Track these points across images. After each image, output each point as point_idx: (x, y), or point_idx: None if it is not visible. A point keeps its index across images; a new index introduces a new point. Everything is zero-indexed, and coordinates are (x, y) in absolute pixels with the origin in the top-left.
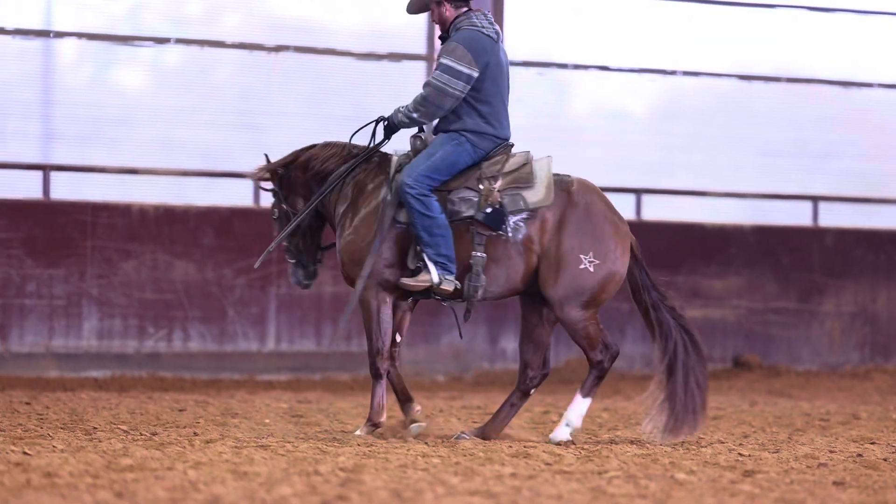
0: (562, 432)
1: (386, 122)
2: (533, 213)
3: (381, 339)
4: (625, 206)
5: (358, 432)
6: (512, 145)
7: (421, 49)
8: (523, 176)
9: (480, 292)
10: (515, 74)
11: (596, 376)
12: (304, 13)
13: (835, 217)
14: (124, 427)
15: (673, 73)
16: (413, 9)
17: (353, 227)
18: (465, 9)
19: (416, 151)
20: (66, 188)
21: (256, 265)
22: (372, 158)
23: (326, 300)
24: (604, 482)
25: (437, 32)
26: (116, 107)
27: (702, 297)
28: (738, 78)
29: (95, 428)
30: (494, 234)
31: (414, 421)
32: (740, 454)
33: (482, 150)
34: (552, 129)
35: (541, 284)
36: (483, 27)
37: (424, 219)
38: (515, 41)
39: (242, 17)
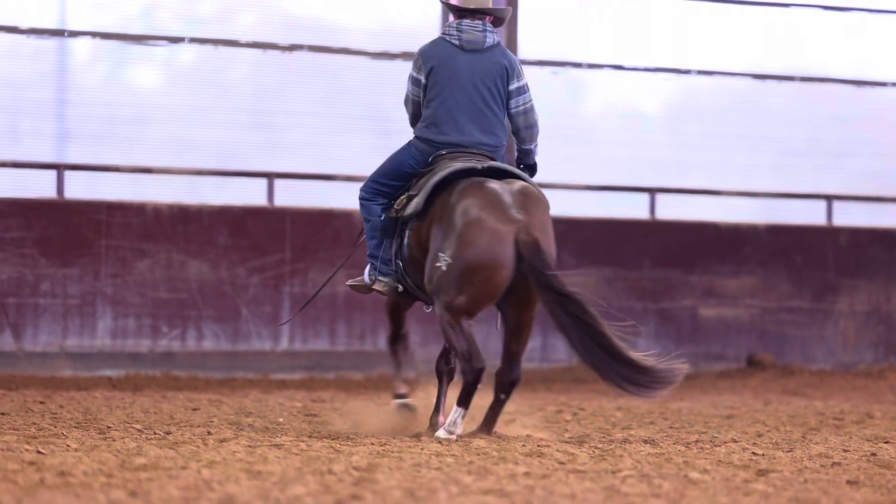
0: (441, 434)
1: None
2: (420, 218)
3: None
4: (639, 206)
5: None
6: (463, 153)
7: None
8: (419, 184)
9: (422, 296)
10: (529, 74)
11: (463, 388)
12: (318, 12)
13: (849, 216)
14: (138, 426)
15: (687, 72)
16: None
17: None
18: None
19: None
20: (80, 187)
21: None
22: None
23: (340, 300)
24: (617, 481)
25: None
26: (131, 106)
27: (716, 296)
28: (752, 77)
29: (109, 427)
30: (389, 240)
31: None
32: (754, 453)
33: (423, 154)
34: (566, 128)
35: None
36: (447, 34)
37: (365, 221)
38: (529, 41)
39: (257, 17)
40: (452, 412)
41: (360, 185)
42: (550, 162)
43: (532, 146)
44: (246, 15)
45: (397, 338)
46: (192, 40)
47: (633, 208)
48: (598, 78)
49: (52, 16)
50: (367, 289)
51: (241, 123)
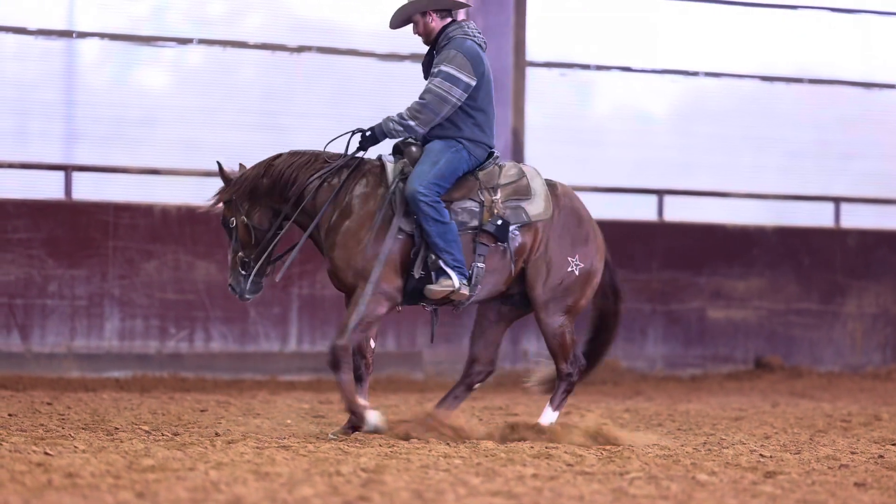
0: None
1: (368, 133)
2: (530, 222)
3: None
4: (646, 207)
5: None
6: (497, 155)
7: None
8: (522, 188)
9: (471, 300)
10: (537, 75)
11: (564, 389)
12: (326, 14)
13: (856, 218)
14: (146, 427)
15: (695, 74)
16: (395, 22)
17: (348, 232)
18: (450, 19)
19: (413, 159)
20: (88, 188)
21: (278, 279)
22: (361, 166)
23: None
24: (625, 483)
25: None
26: (139, 107)
27: (724, 298)
28: (760, 79)
29: (117, 428)
30: (496, 244)
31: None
32: (762, 455)
33: (476, 158)
34: (574, 129)
35: (528, 287)
36: (475, 37)
37: (439, 225)
38: (537, 42)
39: (265, 18)
40: (549, 415)
41: None
42: (559, 163)
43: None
44: (254, 16)
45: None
46: (201, 42)
47: (640, 210)
48: (605, 80)
49: (60, 17)
50: (461, 295)
51: (249, 125)
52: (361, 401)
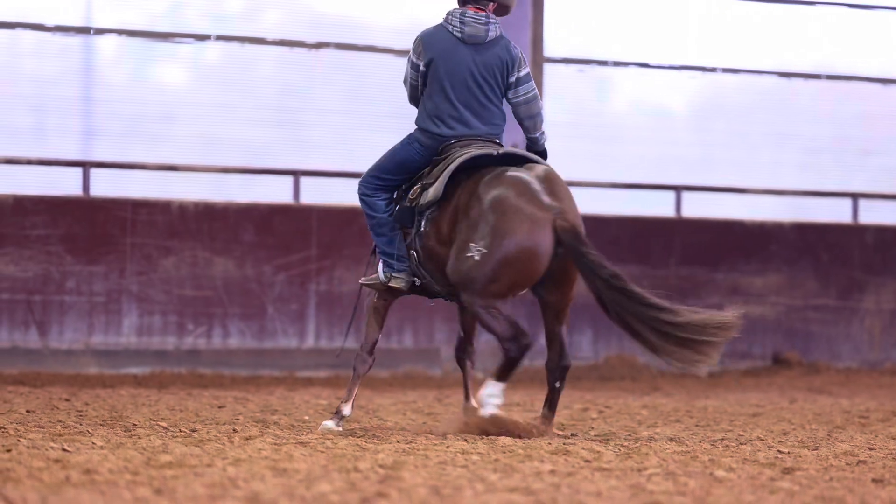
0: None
1: None
2: (437, 207)
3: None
4: (664, 203)
5: (328, 424)
6: (474, 141)
7: None
8: (434, 173)
9: (437, 287)
10: (555, 71)
11: (504, 363)
12: (344, 10)
13: (875, 214)
14: (164, 424)
15: (713, 70)
16: None
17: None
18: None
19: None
20: (106, 185)
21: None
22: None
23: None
24: (643, 479)
25: None
26: (157, 103)
27: (741, 294)
28: (778, 75)
29: (135, 424)
30: (405, 230)
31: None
32: (779, 451)
33: (428, 148)
34: (592, 126)
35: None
36: (450, 24)
37: (369, 218)
38: (555, 38)
39: (283, 14)
40: (489, 386)
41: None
42: (576, 160)
43: (538, 135)
44: (272, 12)
45: (375, 346)
46: (219, 38)
47: (659, 206)
48: (624, 76)
49: (78, 13)
50: (383, 286)
51: (267, 121)
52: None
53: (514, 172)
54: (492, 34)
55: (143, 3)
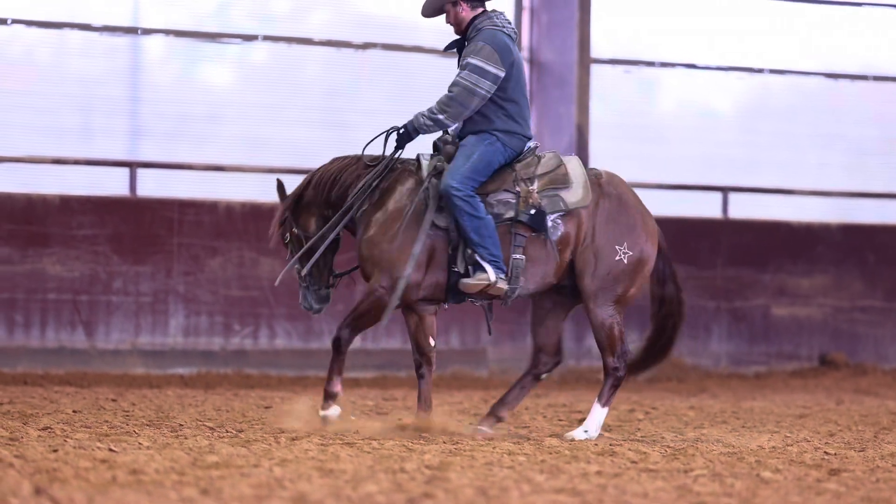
0: (578, 434)
1: (401, 131)
2: (570, 210)
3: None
4: (711, 204)
5: (326, 412)
6: (536, 145)
7: None
8: (559, 177)
9: (517, 292)
10: (602, 72)
11: (612, 384)
12: (391, 10)
13: None
14: (210, 424)
15: (760, 71)
16: (427, 11)
17: (378, 224)
18: (482, 9)
19: (448, 155)
20: (152, 185)
21: (277, 283)
22: (398, 165)
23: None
24: (689, 480)
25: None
26: (203, 104)
27: (788, 295)
28: (824, 76)
29: (181, 425)
30: (535, 235)
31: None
32: (826, 453)
33: (512, 149)
34: (639, 127)
35: (577, 277)
36: (504, 27)
37: (474, 220)
38: (602, 39)
39: (330, 15)
40: (599, 412)
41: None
42: (623, 160)
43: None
44: (319, 13)
45: (428, 358)
46: (266, 38)
47: (705, 207)
48: (670, 77)
49: (125, 14)
50: (492, 287)
51: (313, 121)
52: (336, 387)
53: (614, 174)
54: None
55: (190, 4)
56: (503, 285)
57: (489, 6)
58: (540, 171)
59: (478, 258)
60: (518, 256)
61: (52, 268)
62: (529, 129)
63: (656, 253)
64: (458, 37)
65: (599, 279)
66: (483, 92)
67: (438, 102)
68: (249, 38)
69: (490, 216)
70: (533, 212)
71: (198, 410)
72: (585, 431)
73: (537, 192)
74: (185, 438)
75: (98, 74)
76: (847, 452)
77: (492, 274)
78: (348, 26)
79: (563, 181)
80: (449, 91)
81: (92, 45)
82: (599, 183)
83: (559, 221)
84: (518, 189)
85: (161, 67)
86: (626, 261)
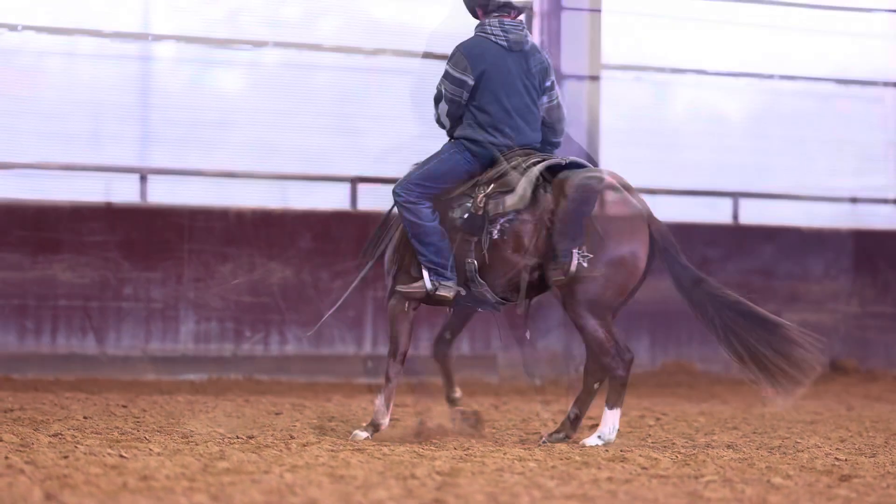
0: (591, 441)
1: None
2: (519, 214)
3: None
4: (722, 210)
5: (359, 433)
6: (532, 151)
7: None
8: (507, 180)
9: (490, 296)
10: (612, 78)
11: (615, 386)
12: (402, 17)
13: None
14: (220, 430)
15: (770, 76)
16: (467, 6)
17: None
18: (486, 17)
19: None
20: (163, 191)
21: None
22: None
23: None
24: (700, 486)
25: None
26: (214, 110)
27: (799, 301)
28: (835, 82)
29: (192, 431)
30: (475, 239)
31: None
32: (837, 458)
33: (480, 158)
34: (649, 132)
35: (546, 283)
36: (492, 34)
37: (414, 226)
38: (612, 45)
39: (341, 21)
40: (612, 416)
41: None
42: (634, 166)
43: (559, 139)
44: (330, 19)
45: (406, 356)
46: (276, 44)
47: (716, 212)
48: (680, 82)
49: (136, 20)
50: (427, 295)
51: (324, 127)
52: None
53: (593, 174)
54: (529, 40)
55: (200, 10)
56: (445, 293)
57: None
58: (495, 175)
59: (421, 264)
60: (469, 261)
61: (63, 274)
62: (510, 139)
63: (644, 255)
64: None
65: (567, 285)
66: (449, 96)
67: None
68: (259, 44)
69: (435, 223)
70: (466, 216)
71: (208, 416)
72: (599, 437)
73: (485, 196)
74: (196, 444)
75: (108, 81)
76: (857, 458)
77: (427, 282)
78: (358, 32)
79: (510, 184)
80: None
81: (102, 50)
82: (562, 187)
83: (507, 226)
84: (475, 194)
85: (172, 74)
86: (586, 264)
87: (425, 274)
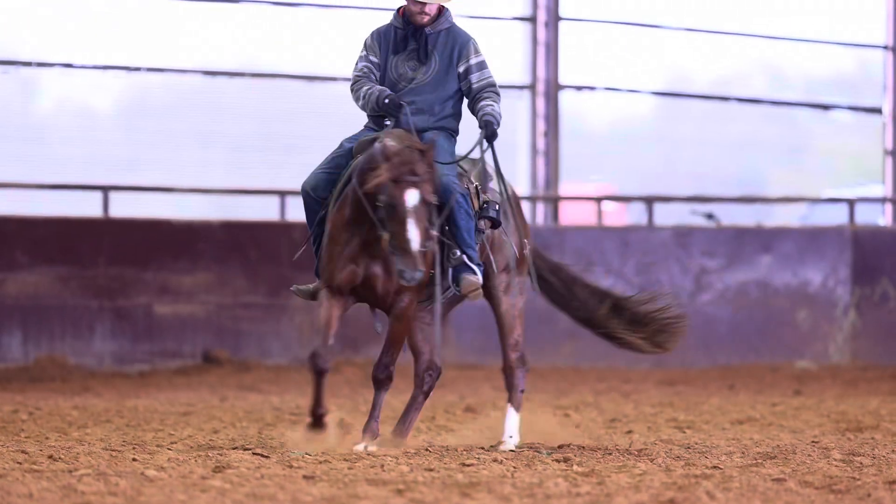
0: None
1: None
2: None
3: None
4: (93, 203)
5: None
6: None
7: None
8: (484, 172)
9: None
10: None
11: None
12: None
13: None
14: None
15: (137, 69)
16: None
17: None
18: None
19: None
20: None
21: None
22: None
23: None
24: (74, 480)
25: None
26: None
27: (171, 292)
28: (202, 74)
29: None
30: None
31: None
32: (212, 449)
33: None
34: (17, 127)
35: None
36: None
37: (469, 220)
38: None
39: None
40: (515, 418)
41: None
42: (1, 162)
43: None
44: None
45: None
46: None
47: (87, 206)
48: (49, 76)
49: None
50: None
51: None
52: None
53: None
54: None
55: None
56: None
57: None
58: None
59: (466, 259)
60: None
61: None
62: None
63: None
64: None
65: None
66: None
67: (497, 100)
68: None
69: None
70: (497, 207)
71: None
72: (511, 437)
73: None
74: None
75: None
76: (232, 451)
77: (480, 277)
78: None
79: (487, 175)
80: (497, 94)
81: None
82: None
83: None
84: (467, 186)
85: None
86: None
87: (478, 270)
